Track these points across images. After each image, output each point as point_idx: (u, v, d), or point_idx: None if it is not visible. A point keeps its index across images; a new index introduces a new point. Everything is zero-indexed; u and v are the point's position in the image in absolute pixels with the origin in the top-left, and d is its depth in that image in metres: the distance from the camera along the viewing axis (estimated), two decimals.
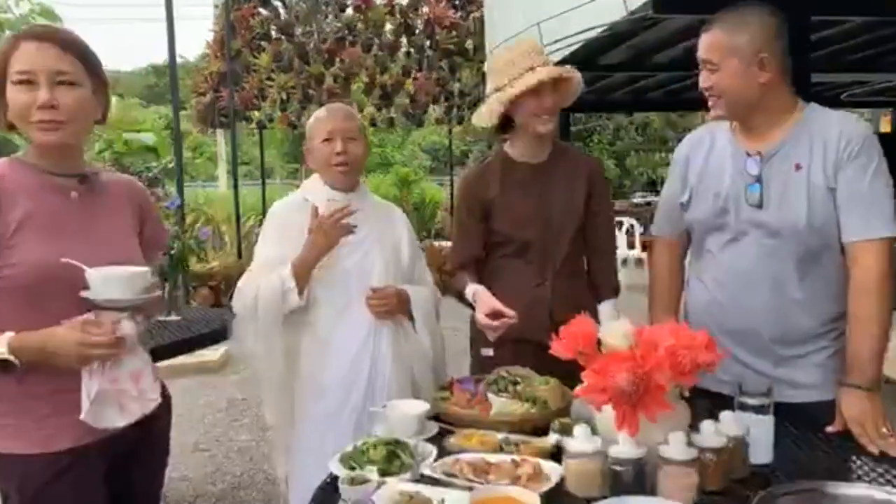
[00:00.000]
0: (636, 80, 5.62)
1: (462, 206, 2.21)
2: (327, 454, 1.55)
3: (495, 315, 1.96)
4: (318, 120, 2.05)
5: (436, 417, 1.70)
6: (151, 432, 1.57)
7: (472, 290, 2.06)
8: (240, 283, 2.01)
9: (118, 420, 1.40)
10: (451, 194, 11.51)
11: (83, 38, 1.49)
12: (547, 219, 2.15)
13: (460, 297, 2.13)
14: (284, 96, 8.77)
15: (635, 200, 10.76)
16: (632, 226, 8.94)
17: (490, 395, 1.74)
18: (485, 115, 2.06)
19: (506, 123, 2.12)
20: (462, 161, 18.74)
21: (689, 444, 1.29)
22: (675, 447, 1.27)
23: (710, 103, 1.81)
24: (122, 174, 1.82)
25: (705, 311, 1.88)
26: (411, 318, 2.03)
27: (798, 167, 1.74)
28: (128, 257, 1.47)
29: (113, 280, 1.38)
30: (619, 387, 1.23)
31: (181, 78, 7.94)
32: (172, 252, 2.73)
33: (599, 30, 3.46)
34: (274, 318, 1.92)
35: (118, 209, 1.55)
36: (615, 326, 1.43)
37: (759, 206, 1.77)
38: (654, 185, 11.57)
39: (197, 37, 11.91)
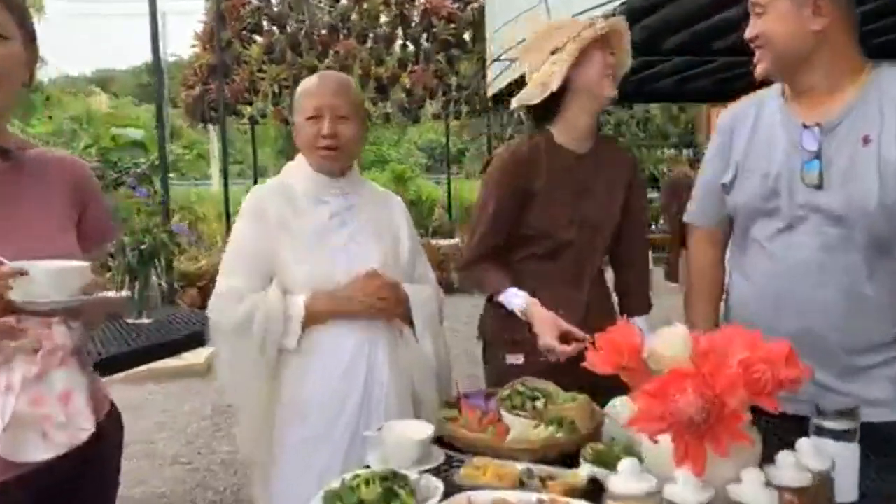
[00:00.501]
0: (648, 66, 5.28)
1: (502, 187, 1.86)
2: (312, 483, 1.27)
3: (565, 338, 1.71)
4: (305, 93, 1.73)
5: (440, 440, 1.42)
6: (93, 460, 1.27)
7: (524, 301, 1.79)
8: (222, 290, 1.66)
9: (40, 452, 1.11)
10: (448, 192, 11.22)
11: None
12: (585, 218, 1.89)
13: (486, 293, 1.89)
14: (277, 89, 8.48)
15: None
16: None
17: (505, 415, 1.46)
18: (540, 86, 1.78)
19: (550, 108, 1.84)
20: (458, 160, 18.44)
21: (767, 483, 1.02)
22: (751, 488, 0.99)
23: (756, 57, 1.53)
24: (61, 151, 1.53)
25: (752, 312, 1.60)
26: (411, 324, 1.74)
27: (866, 140, 1.46)
28: (60, 249, 1.18)
29: (39, 277, 1.09)
30: (684, 414, 0.95)
31: (174, 76, 7.68)
32: (143, 248, 2.44)
33: (612, 6, 3.18)
34: (271, 348, 1.61)
35: (50, 192, 1.26)
36: (669, 333, 1.15)
37: (819, 186, 1.49)
38: (655, 182, 11.30)
39: (191, 32, 11.61)
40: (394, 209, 1.86)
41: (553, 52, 1.81)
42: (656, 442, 1.01)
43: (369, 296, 1.63)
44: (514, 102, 1.89)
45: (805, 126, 1.52)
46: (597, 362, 1.15)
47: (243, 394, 1.63)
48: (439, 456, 1.37)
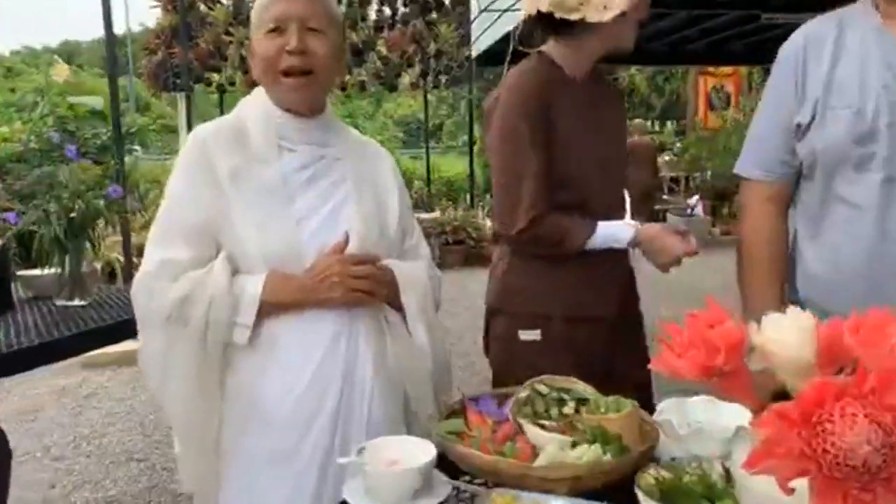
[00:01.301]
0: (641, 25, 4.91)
1: (522, 130, 1.52)
2: None
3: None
4: (263, 3, 1.31)
5: (442, 462, 1.06)
6: None
7: (633, 229, 1.57)
8: (150, 267, 1.24)
9: None
10: (427, 165, 10.79)
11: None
12: (605, 160, 1.60)
13: (569, 248, 1.57)
14: (245, 54, 7.95)
15: None
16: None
17: (528, 427, 1.11)
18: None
19: (564, 28, 1.55)
20: (435, 134, 17.96)
21: None
22: None
23: None
24: None
25: (836, 296, 1.26)
26: (400, 310, 1.36)
27: None
28: None
29: None
30: (855, 455, 0.59)
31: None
32: (73, 216, 2.03)
33: None
34: (215, 345, 1.22)
35: None
36: (782, 322, 0.79)
37: None
38: None
39: None
40: (380, 164, 1.45)
41: None
42: (791, 492, 0.66)
43: (346, 276, 1.25)
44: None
45: None
46: (679, 367, 0.79)
47: (180, 404, 1.24)
48: (442, 488, 1.01)
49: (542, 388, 1.22)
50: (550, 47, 1.61)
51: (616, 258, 1.62)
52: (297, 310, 1.26)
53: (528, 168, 1.52)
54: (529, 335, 1.62)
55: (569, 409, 1.18)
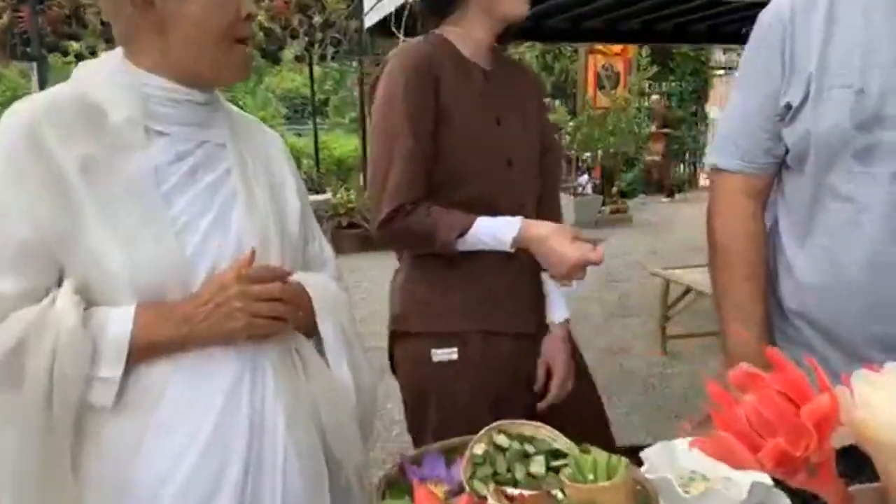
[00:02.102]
0: (578, 3, 4.67)
1: (398, 103, 1.32)
2: None
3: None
4: None
5: None
6: None
7: (517, 226, 1.32)
8: None
9: None
10: (315, 144, 10.25)
11: None
12: (514, 155, 1.41)
13: (439, 244, 1.33)
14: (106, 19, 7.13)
15: None
16: None
17: (491, 501, 0.85)
18: None
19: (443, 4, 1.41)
20: (322, 111, 17.30)
21: None
22: None
23: None
24: None
25: (833, 305, 1.08)
26: (311, 334, 1.05)
27: None
28: None
29: None
30: None
31: None
32: None
33: None
34: (65, 408, 0.86)
35: None
36: (885, 378, 0.57)
37: None
38: None
39: None
40: (270, 148, 1.13)
41: None
42: None
43: (249, 300, 0.93)
44: None
45: None
46: (743, 457, 0.55)
47: (19, 490, 0.89)
48: None
49: (502, 441, 0.96)
50: (442, 29, 1.43)
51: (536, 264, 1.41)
52: (182, 351, 0.93)
53: (400, 148, 1.31)
54: (444, 355, 1.39)
55: (537, 466, 0.94)
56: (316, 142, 10.26)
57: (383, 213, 1.31)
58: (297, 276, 1.04)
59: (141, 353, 0.90)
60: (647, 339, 4.51)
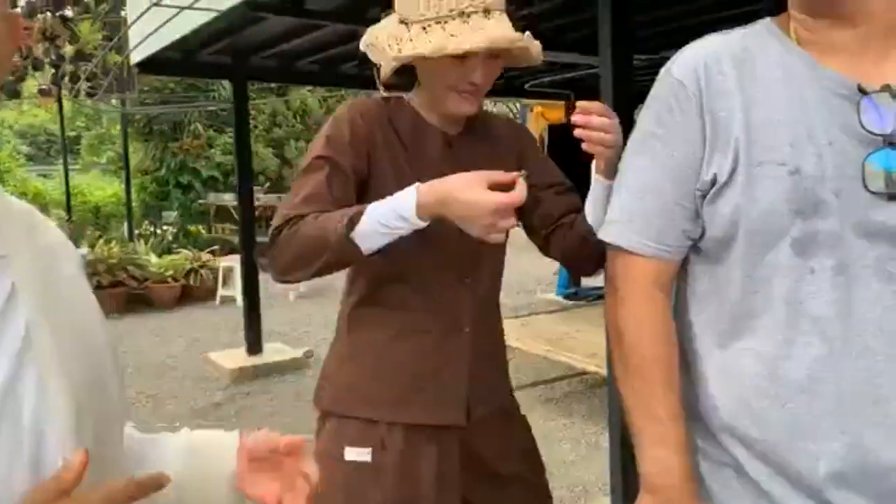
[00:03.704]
0: (322, 47, 4.42)
1: (339, 139, 1.22)
2: None
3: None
4: None
5: None
6: None
7: (412, 193, 1.09)
8: None
9: None
10: (67, 188, 8.92)
11: None
12: (460, 231, 1.12)
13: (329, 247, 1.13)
14: None
15: None
16: None
17: None
18: (386, 51, 1.21)
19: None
20: (73, 149, 15.36)
21: None
22: None
23: None
24: None
25: (762, 420, 0.93)
26: None
27: None
28: None
29: None
30: None
31: None
32: None
33: None
34: None
35: None
36: None
37: (895, 195, 0.87)
38: None
39: None
40: (58, 251, 0.71)
41: (402, 22, 1.20)
42: None
43: None
44: (368, 50, 1.26)
45: (863, 91, 0.88)
46: None
47: None
48: None
49: None
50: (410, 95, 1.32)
51: (443, 352, 1.27)
52: None
53: (315, 175, 1.19)
54: (358, 455, 1.23)
55: None
56: (67, 187, 8.96)
57: (274, 224, 1.17)
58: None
59: None
60: None
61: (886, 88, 0.87)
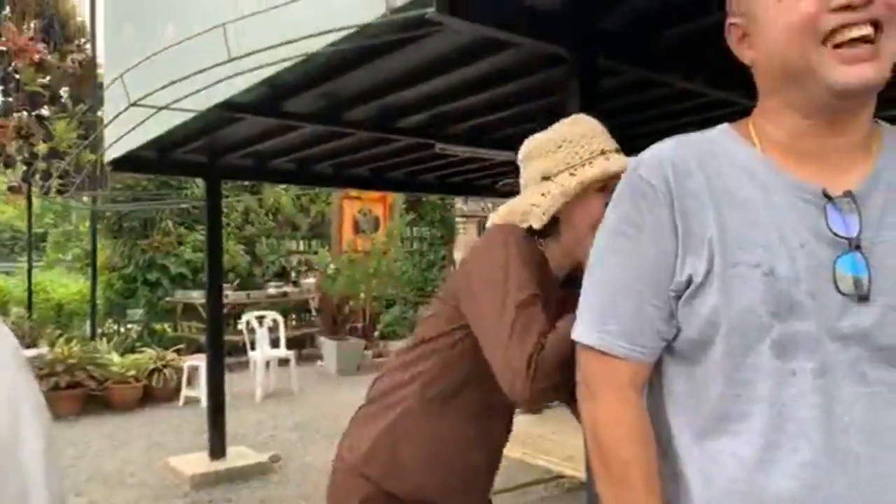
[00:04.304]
0: (297, 147, 4.50)
1: (521, 259, 1.35)
2: None
3: None
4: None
5: None
6: None
7: None
8: None
9: None
10: (29, 286, 8.72)
11: None
12: None
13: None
14: None
15: (270, 291, 9.53)
16: (275, 320, 7.66)
17: None
18: (531, 208, 1.40)
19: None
20: (38, 245, 15.15)
21: None
22: None
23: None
24: None
25: None
26: None
27: None
28: None
29: None
30: None
31: None
32: None
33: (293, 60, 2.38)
34: None
35: None
36: None
37: (865, 297, 0.88)
38: (286, 275, 10.64)
39: None
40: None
41: (551, 176, 1.39)
42: None
43: None
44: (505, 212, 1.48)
45: (828, 196, 0.90)
46: None
47: None
48: None
49: None
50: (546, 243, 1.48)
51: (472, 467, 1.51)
52: None
53: (514, 296, 1.31)
54: None
55: None
56: (30, 284, 8.76)
57: (525, 354, 1.24)
58: None
59: None
60: None
61: (848, 194, 0.90)
